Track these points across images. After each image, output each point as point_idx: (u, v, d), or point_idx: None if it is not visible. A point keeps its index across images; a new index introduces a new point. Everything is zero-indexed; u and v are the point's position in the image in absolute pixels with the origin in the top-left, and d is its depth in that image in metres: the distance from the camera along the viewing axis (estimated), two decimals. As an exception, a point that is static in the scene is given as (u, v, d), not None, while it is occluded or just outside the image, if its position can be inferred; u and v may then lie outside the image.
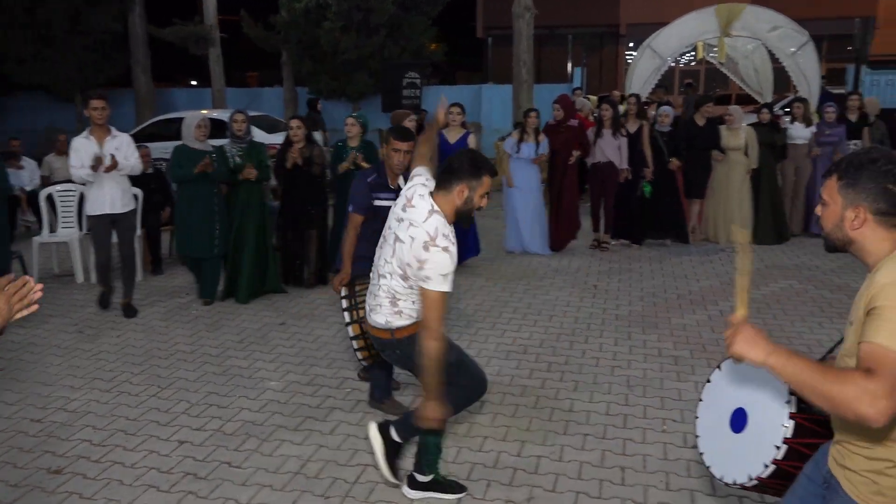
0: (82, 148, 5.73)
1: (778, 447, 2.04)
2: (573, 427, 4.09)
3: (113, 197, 5.87)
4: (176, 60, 25.17)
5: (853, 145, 8.70)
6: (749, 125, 8.40)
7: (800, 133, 8.66)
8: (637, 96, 8.70)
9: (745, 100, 14.80)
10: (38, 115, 20.01)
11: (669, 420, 4.16)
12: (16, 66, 17.20)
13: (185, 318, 6.12)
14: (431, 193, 3.00)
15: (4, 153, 8.83)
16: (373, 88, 17.57)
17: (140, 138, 11.69)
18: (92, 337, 5.69)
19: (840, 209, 1.87)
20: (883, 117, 9.20)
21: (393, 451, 3.33)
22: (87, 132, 5.81)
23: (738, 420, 2.20)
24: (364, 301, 3.48)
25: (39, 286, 1.82)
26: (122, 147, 5.87)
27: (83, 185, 6.02)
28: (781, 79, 11.78)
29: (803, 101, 9.12)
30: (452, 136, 7.28)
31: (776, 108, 12.60)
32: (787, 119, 9.07)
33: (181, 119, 7.35)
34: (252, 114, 13.29)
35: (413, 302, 3.02)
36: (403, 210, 3.02)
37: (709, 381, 2.39)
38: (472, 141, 7.22)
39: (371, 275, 3.22)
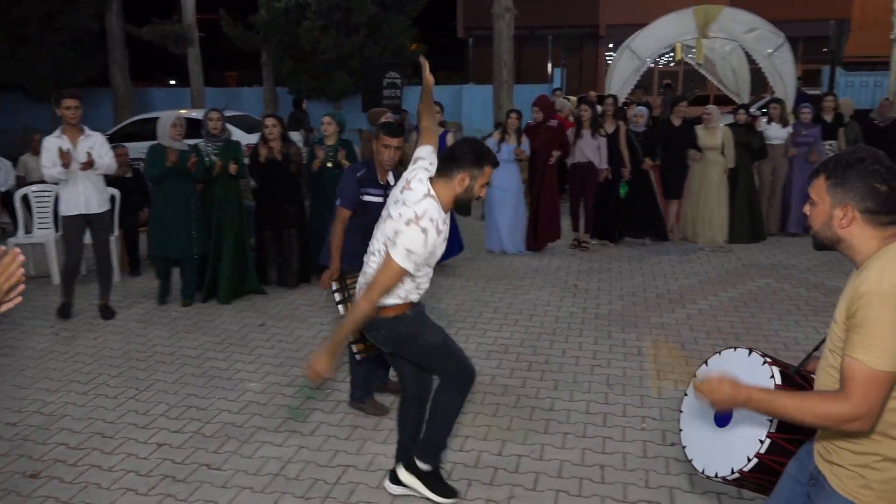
0: (54, 147, 5.65)
1: (762, 441, 2.07)
2: (553, 426, 4.11)
3: (88, 197, 5.81)
4: (154, 59, 24.93)
5: (828, 146, 8.83)
6: (726, 125, 8.49)
7: (776, 133, 8.76)
8: (614, 97, 8.76)
9: (723, 100, 14.94)
10: (15, 114, 19.74)
11: (649, 418, 4.19)
12: (-9, 65, 16.99)
13: (163, 319, 6.06)
14: (431, 179, 2.99)
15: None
16: (353, 88, 17.54)
17: (118, 138, 11.61)
18: (68, 339, 5.62)
19: (828, 208, 1.90)
20: (857, 118, 9.35)
21: (433, 479, 3.34)
22: (60, 131, 5.74)
23: (723, 416, 2.23)
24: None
25: (22, 258, 1.73)
26: (95, 146, 5.80)
27: (56, 184, 5.93)
28: (758, 80, 11.91)
29: (780, 101, 9.23)
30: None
31: (753, 109, 12.75)
32: (765, 120, 9.17)
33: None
34: (232, 113, 13.27)
35: (402, 282, 2.99)
36: (402, 192, 3.02)
37: (695, 377, 2.41)
38: (450, 140, 7.24)
39: (364, 257, 3.21)
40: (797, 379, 2.15)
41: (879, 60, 19.47)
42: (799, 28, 20.25)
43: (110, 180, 7.28)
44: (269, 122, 6.57)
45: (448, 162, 2.96)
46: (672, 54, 11.81)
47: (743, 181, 8.55)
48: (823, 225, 1.93)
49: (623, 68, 11.12)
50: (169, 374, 4.92)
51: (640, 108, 8.74)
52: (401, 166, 4.13)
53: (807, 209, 1.98)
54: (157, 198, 6.21)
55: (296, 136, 11.25)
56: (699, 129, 8.32)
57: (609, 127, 8.17)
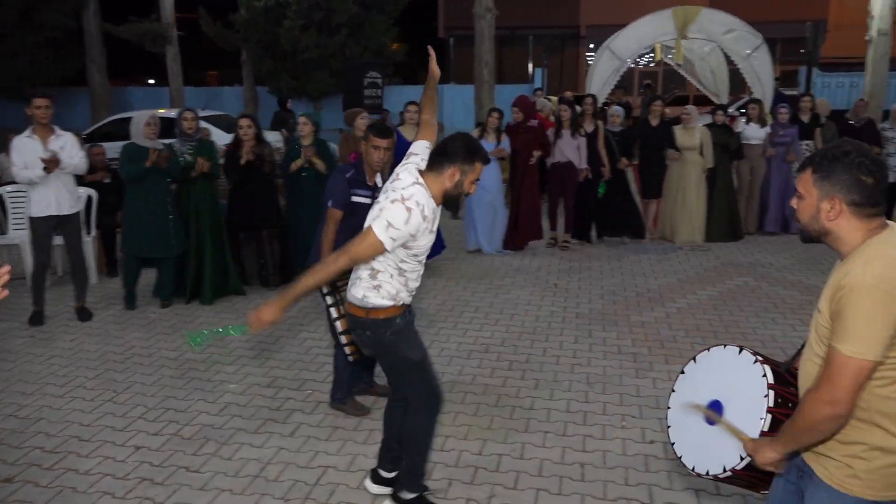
0: (25, 147, 5.57)
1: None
2: (534, 425, 4.12)
3: (59, 198, 5.72)
4: (133, 58, 24.72)
5: (805, 145, 8.93)
6: (704, 126, 8.56)
7: (755, 134, 8.85)
8: (594, 97, 8.80)
9: (702, 101, 15.07)
10: (-11, 113, 19.50)
11: (628, 416, 4.21)
12: (-35, 64, 16.74)
13: (141, 321, 6.01)
14: (421, 172, 2.95)
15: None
16: (334, 88, 17.48)
17: (95, 138, 11.49)
18: (44, 341, 5.55)
19: (816, 201, 1.93)
20: (833, 118, 9.46)
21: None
22: (30, 131, 5.66)
23: (714, 412, 2.22)
24: None
25: (7, 268, 1.74)
26: (66, 146, 5.73)
27: (27, 184, 5.83)
28: (737, 80, 12.01)
29: (758, 102, 9.31)
30: (409, 133, 7.28)
31: (732, 109, 12.87)
32: (743, 120, 9.25)
33: (137, 118, 7.20)
34: (211, 113, 13.18)
35: (391, 276, 2.95)
36: (391, 182, 3.00)
37: (682, 373, 2.41)
38: None
39: None
40: (787, 377, 2.16)
41: (855, 61, 19.74)
42: (776, 29, 20.49)
43: (86, 181, 7.21)
44: (244, 122, 6.53)
45: (439, 156, 2.93)
46: (652, 55, 11.87)
47: (721, 181, 8.63)
48: (811, 218, 1.96)
49: (603, 69, 11.17)
50: (147, 375, 4.87)
51: (616, 108, 8.80)
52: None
53: (794, 203, 2.01)
54: (132, 197, 6.12)
55: (274, 136, 11.20)
56: (677, 130, 8.38)
57: (588, 127, 8.21)
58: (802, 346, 2.27)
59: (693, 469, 2.23)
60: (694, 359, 2.37)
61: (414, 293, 3.11)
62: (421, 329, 5.55)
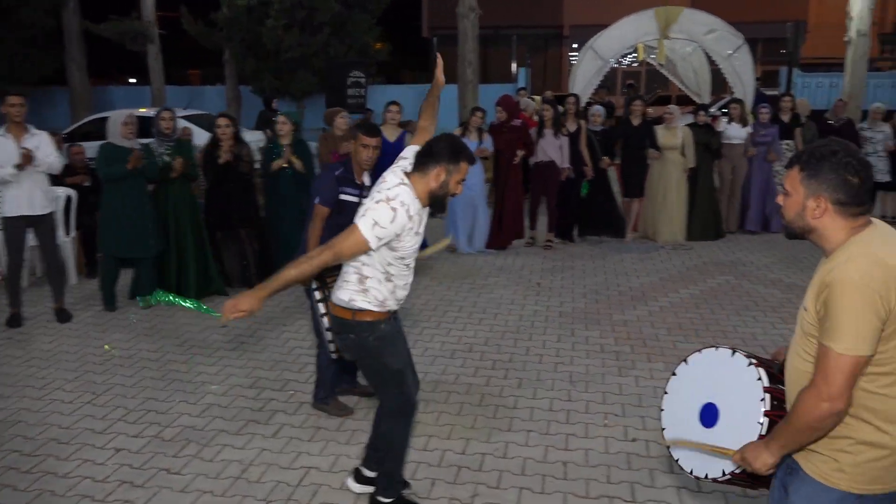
0: None
1: None
2: (517, 424, 4.12)
3: (32, 198, 5.65)
4: (113, 57, 24.48)
5: (786, 145, 9.02)
6: (686, 125, 8.61)
7: (736, 133, 8.91)
8: (576, 96, 8.83)
9: (684, 100, 15.16)
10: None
11: (611, 415, 4.23)
12: (-58, 62, 16.50)
13: (121, 322, 5.95)
14: (408, 174, 2.95)
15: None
16: (317, 87, 17.40)
17: (75, 137, 11.36)
18: (22, 343, 5.48)
19: (802, 199, 1.95)
20: (813, 118, 9.55)
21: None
22: (4, 130, 5.59)
23: (709, 415, 2.21)
24: None
25: None
26: (41, 146, 5.66)
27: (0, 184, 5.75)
28: (718, 80, 12.11)
29: (739, 101, 9.38)
30: (391, 134, 7.27)
31: (714, 109, 12.95)
32: (725, 120, 9.32)
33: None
34: (193, 112, 13.08)
35: (379, 282, 2.95)
36: (378, 184, 2.99)
37: (674, 375, 2.39)
38: (409, 139, 7.25)
39: None
40: (781, 377, 2.15)
41: (834, 62, 19.93)
42: (757, 30, 20.67)
43: (66, 183, 7.13)
44: (222, 121, 6.48)
45: (424, 157, 2.93)
46: (635, 55, 11.93)
47: (703, 180, 8.68)
48: (796, 215, 1.98)
49: (586, 68, 11.21)
50: (127, 377, 4.82)
51: (597, 107, 8.83)
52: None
53: (780, 199, 2.03)
54: (109, 197, 6.02)
55: (256, 136, 11.13)
56: (660, 129, 8.42)
57: (571, 126, 8.23)
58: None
59: (692, 472, 2.22)
60: (685, 360, 2.36)
61: (402, 301, 3.10)
62: (405, 329, 5.54)
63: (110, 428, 4.11)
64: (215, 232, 6.60)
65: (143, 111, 11.16)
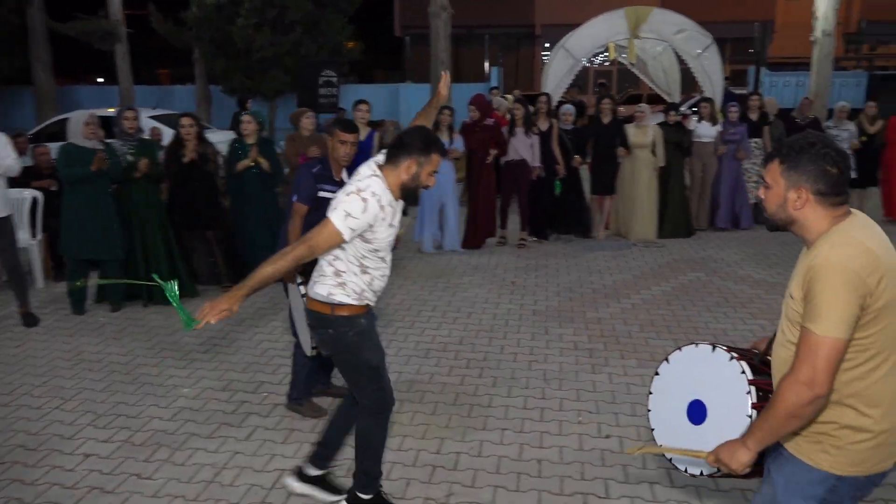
0: None
1: None
2: (492, 422, 4.13)
3: None
4: (81, 56, 24.08)
5: (754, 143, 9.14)
6: (657, 124, 8.70)
7: (707, 132, 9.01)
8: (548, 95, 8.87)
9: (655, 99, 15.31)
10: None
11: (585, 412, 4.26)
12: None
13: (90, 325, 5.85)
14: (380, 166, 2.95)
15: None
16: (289, 86, 17.25)
17: (41, 138, 11.15)
18: (-12, 348, 5.37)
19: (783, 191, 1.99)
20: (780, 116, 9.69)
21: (325, 484, 3.33)
22: None
23: (697, 412, 2.23)
24: None
25: None
26: None
27: None
28: (688, 79, 12.24)
29: (709, 100, 9.49)
30: (359, 133, 7.24)
31: (684, 108, 13.09)
32: (696, 118, 9.42)
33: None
34: (163, 112, 12.91)
35: (355, 274, 2.94)
36: (352, 177, 3.00)
37: (657, 374, 2.40)
38: (376, 139, 7.26)
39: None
40: (763, 368, 2.18)
41: (801, 61, 20.28)
42: (726, 29, 20.93)
43: (32, 187, 7.00)
44: (186, 121, 6.40)
45: (395, 149, 2.93)
46: (606, 54, 12.02)
47: (674, 178, 8.78)
48: (778, 207, 2.01)
49: (558, 67, 11.27)
50: (97, 381, 4.75)
51: (568, 106, 8.88)
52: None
53: (761, 192, 2.07)
54: (70, 198, 5.90)
55: (227, 136, 11.00)
56: (630, 128, 8.50)
57: (543, 125, 8.27)
58: (774, 334, 2.32)
59: (686, 470, 2.23)
60: (667, 359, 2.37)
61: (379, 294, 3.10)
62: (378, 328, 5.52)
63: (79, 433, 4.04)
64: (181, 232, 6.52)
65: (111, 111, 10.99)
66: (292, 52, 17.21)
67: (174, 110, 14.20)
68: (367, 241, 2.88)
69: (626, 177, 8.58)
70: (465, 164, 8.65)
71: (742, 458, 1.96)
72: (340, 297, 2.96)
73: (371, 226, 2.83)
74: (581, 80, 17.03)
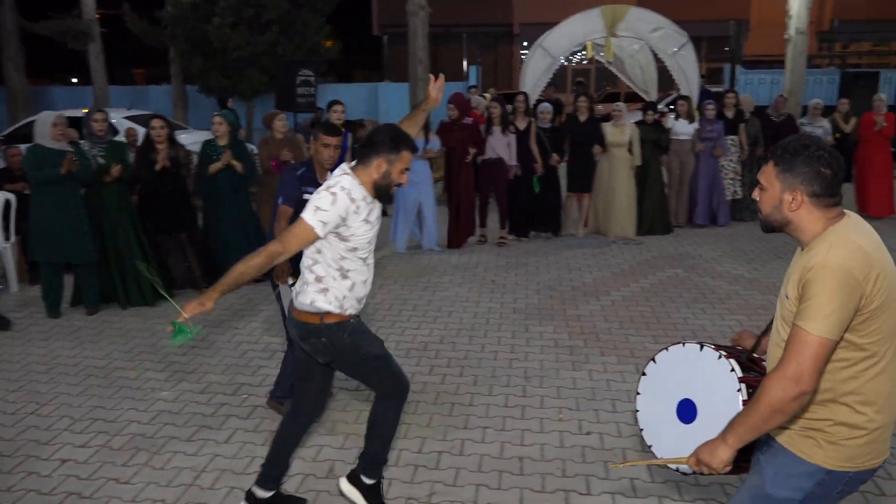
0: None
1: None
2: (473, 421, 4.13)
3: None
4: (54, 56, 23.73)
5: (730, 140, 9.23)
6: (634, 123, 8.75)
7: (684, 129, 9.09)
8: (525, 94, 8.89)
9: (633, 97, 15.41)
10: None
11: (565, 409, 4.27)
12: None
13: (66, 329, 5.77)
14: (352, 167, 2.95)
15: None
16: (267, 86, 17.13)
17: (14, 139, 10.97)
18: (-39, 353, 5.28)
19: (778, 193, 2.01)
20: (756, 113, 9.80)
21: (374, 493, 3.26)
22: None
23: (687, 411, 2.24)
24: None
25: None
26: None
27: None
28: (665, 77, 12.32)
29: (686, 98, 9.57)
30: (338, 135, 7.23)
31: (661, 106, 13.20)
32: (673, 116, 9.49)
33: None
34: (138, 112, 12.76)
35: (335, 279, 2.92)
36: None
37: (644, 375, 2.40)
38: (350, 140, 7.23)
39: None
40: (750, 365, 2.19)
41: (775, 59, 20.52)
42: (701, 28, 21.11)
43: (5, 189, 6.89)
44: (156, 123, 6.32)
45: (365, 148, 2.93)
46: (584, 52, 12.07)
47: (652, 176, 8.85)
48: (773, 209, 2.03)
49: (536, 66, 11.29)
50: (73, 385, 4.68)
51: (545, 104, 8.91)
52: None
53: (756, 195, 2.08)
54: (39, 201, 5.78)
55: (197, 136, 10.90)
56: (608, 126, 8.54)
57: (521, 124, 8.29)
58: (763, 332, 2.33)
59: (678, 470, 2.24)
60: (653, 359, 2.38)
61: (363, 301, 3.08)
62: (359, 329, 5.53)
63: (56, 438, 3.99)
64: (154, 235, 6.44)
65: (85, 112, 10.84)
66: (269, 51, 17.08)
67: (150, 111, 14.04)
68: (343, 238, 2.87)
69: (603, 175, 8.62)
70: (443, 163, 8.65)
71: (723, 455, 1.98)
72: (322, 303, 2.94)
73: (343, 219, 2.82)
74: (559, 79, 17.11)
